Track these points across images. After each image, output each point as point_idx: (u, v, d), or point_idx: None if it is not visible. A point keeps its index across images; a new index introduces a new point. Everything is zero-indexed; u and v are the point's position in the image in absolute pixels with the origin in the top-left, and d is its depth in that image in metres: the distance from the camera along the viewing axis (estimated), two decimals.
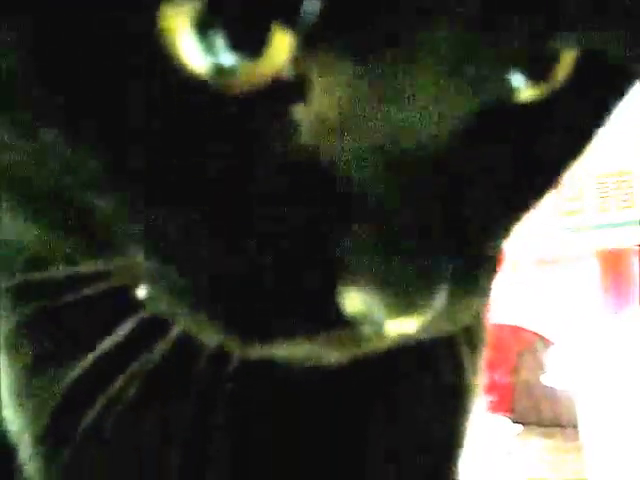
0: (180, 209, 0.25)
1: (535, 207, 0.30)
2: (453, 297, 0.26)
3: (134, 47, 0.23)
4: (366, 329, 0.26)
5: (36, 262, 0.32)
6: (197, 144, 0.24)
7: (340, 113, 0.24)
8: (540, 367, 1.26)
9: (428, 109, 0.24)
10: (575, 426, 1.26)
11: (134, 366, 0.30)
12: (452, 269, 0.25)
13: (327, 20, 0.22)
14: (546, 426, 1.46)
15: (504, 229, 0.29)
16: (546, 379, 1.16)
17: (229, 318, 0.26)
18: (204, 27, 0.22)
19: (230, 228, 0.25)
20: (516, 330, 1.34)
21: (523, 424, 1.43)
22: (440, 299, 0.25)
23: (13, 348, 0.36)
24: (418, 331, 0.26)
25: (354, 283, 0.24)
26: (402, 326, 0.26)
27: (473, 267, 0.27)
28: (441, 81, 0.23)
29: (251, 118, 0.24)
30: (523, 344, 1.40)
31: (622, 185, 1.30)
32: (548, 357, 1.14)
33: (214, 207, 0.25)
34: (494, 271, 0.29)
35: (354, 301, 0.25)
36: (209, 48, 0.23)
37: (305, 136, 0.24)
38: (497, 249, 0.29)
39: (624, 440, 1.15)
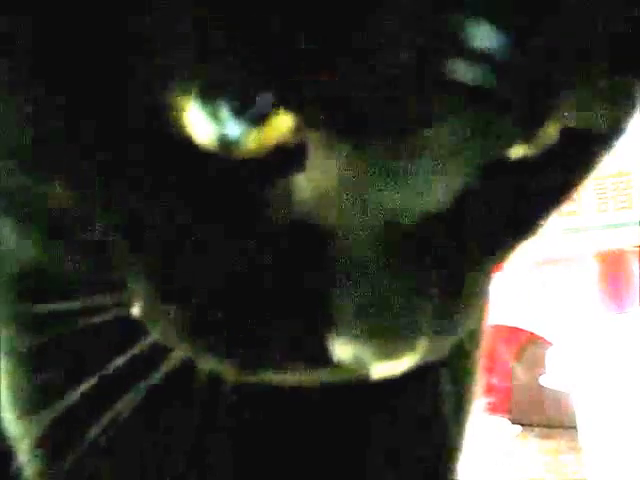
0: (181, 256, 0.26)
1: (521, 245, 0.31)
2: (438, 337, 0.28)
3: (139, 118, 0.23)
4: (353, 368, 0.27)
5: (35, 275, 0.33)
6: (198, 206, 0.25)
7: (337, 185, 0.24)
8: (538, 368, 1.26)
9: (427, 188, 0.24)
10: (574, 427, 1.26)
11: (139, 385, 0.31)
12: (437, 310, 0.27)
13: (328, 104, 0.22)
14: (545, 427, 1.46)
15: (490, 268, 0.30)
16: (545, 380, 1.16)
17: (221, 349, 0.27)
18: (210, 100, 0.23)
19: (229, 272, 0.26)
20: (514, 330, 1.34)
21: (521, 425, 1.43)
22: (427, 342, 0.27)
23: (14, 357, 0.36)
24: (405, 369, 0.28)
25: (343, 334, 0.26)
26: (389, 369, 0.28)
27: (457, 310, 0.28)
28: (442, 161, 0.23)
29: (251, 183, 0.25)
30: (521, 345, 1.39)
31: (621, 186, 1.30)
32: (547, 358, 1.14)
33: (213, 255, 0.26)
34: (483, 304, 0.31)
35: (343, 349, 0.26)
36: (214, 119, 0.23)
37: (303, 202, 0.25)
38: (484, 286, 0.30)
39: (623, 441, 1.15)
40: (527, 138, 0.26)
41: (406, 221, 0.25)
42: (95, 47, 0.22)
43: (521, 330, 1.35)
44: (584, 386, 1.13)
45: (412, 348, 0.27)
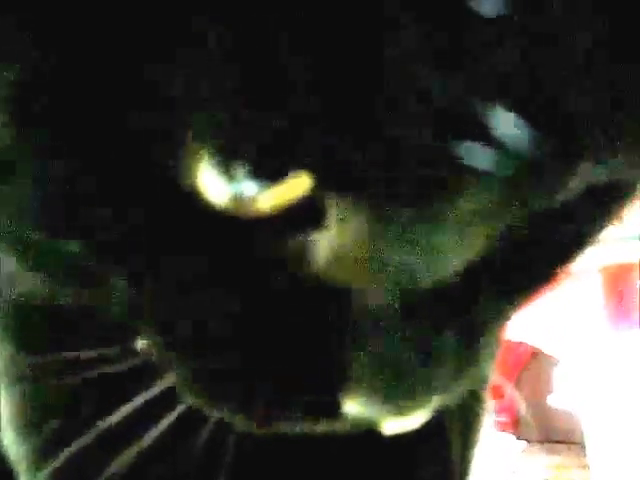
0: (196, 310, 0.26)
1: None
2: (452, 392, 0.28)
3: (154, 176, 0.23)
4: (366, 423, 0.28)
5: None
6: (213, 263, 0.25)
7: (355, 246, 0.24)
8: (543, 383, 1.25)
9: (446, 255, 0.24)
10: (581, 443, 1.25)
11: (146, 434, 0.32)
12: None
13: (346, 168, 0.21)
14: (551, 443, 1.45)
15: (507, 316, 0.30)
16: (553, 400, 1.15)
17: (235, 402, 0.28)
18: (225, 159, 0.22)
19: (245, 327, 0.26)
20: (518, 346, 1.33)
21: (528, 441, 1.43)
22: (440, 398, 0.27)
23: (14, 377, 0.36)
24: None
25: (357, 392, 0.26)
26: (401, 425, 0.28)
27: (473, 365, 0.28)
28: (462, 229, 0.23)
29: (267, 241, 0.24)
30: (526, 360, 1.39)
31: None
32: (555, 377, 1.13)
33: (229, 310, 0.26)
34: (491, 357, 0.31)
35: (356, 406, 0.26)
36: (228, 178, 0.23)
37: (319, 261, 0.24)
38: (500, 333, 0.30)
39: (630, 456, 1.14)
40: (549, 201, 0.25)
41: (423, 284, 0.25)
42: (104, 105, 0.22)
43: (525, 345, 1.34)
44: (591, 402, 1.12)
45: (425, 406, 0.27)
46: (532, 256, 0.28)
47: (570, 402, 1.15)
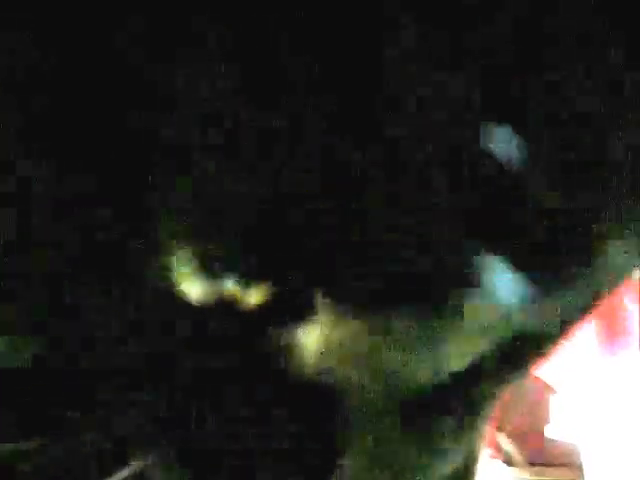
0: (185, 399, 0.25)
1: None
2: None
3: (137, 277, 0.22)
4: None
5: None
6: (201, 359, 0.24)
7: (344, 343, 0.23)
8: (538, 409, 1.25)
9: (444, 360, 0.24)
10: (576, 465, 1.25)
11: None
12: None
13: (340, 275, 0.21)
14: (546, 466, 1.45)
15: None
16: (551, 431, 1.15)
17: None
18: (208, 262, 0.22)
19: (235, 423, 0.25)
20: None
21: (525, 463, 1.43)
22: None
23: None
24: None
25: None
26: None
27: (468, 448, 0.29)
28: (460, 339, 0.23)
29: (254, 334, 0.24)
30: (519, 385, 1.39)
31: None
32: (551, 408, 1.14)
33: (219, 408, 0.25)
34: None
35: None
36: (212, 279, 0.22)
37: (311, 355, 0.24)
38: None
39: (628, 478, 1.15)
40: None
41: (420, 386, 0.24)
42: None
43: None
44: (590, 434, 1.13)
45: None
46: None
47: (568, 434, 1.15)
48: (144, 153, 0.21)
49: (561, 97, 0.21)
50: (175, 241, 0.21)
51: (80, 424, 0.28)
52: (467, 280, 0.21)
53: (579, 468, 1.25)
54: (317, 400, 0.24)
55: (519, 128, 0.21)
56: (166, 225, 0.21)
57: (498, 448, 1.40)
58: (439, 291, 0.21)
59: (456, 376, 0.25)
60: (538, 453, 1.45)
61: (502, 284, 0.21)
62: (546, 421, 1.17)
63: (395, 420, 0.24)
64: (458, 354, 0.24)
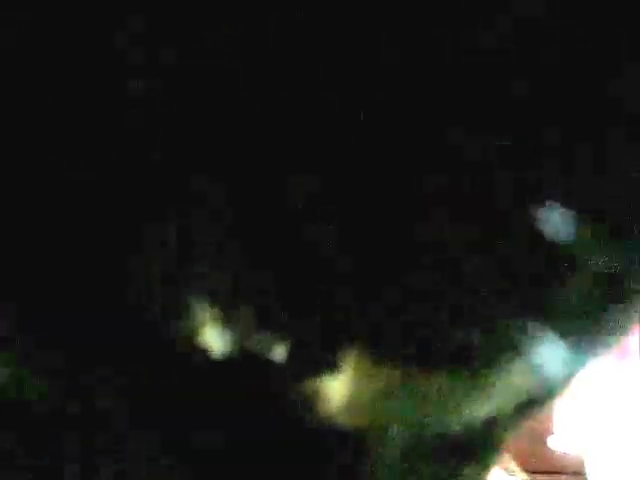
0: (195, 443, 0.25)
1: None
2: None
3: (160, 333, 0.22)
4: None
5: None
6: (224, 412, 0.24)
7: (371, 393, 0.23)
8: (540, 416, 1.24)
9: (462, 411, 0.24)
10: (579, 473, 1.25)
11: None
12: None
13: (364, 325, 0.21)
14: (548, 474, 1.45)
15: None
16: (554, 443, 1.15)
17: None
18: (228, 314, 0.22)
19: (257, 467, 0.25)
20: None
21: (527, 472, 1.42)
22: None
23: None
24: None
25: None
26: None
27: None
28: (479, 393, 0.23)
29: (279, 383, 0.24)
30: None
31: None
32: (554, 419, 1.13)
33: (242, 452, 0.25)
34: None
35: None
36: (233, 332, 0.22)
37: (333, 404, 0.24)
38: None
39: None
40: None
41: (437, 433, 0.25)
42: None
43: None
44: (593, 443, 1.13)
45: None
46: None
47: (571, 445, 1.15)
48: None
49: None
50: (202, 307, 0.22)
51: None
52: (508, 346, 0.21)
53: (583, 477, 1.25)
54: (344, 451, 0.25)
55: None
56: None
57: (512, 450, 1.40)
58: (479, 355, 0.22)
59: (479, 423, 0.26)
60: (541, 462, 1.44)
61: (545, 352, 0.22)
62: (549, 431, 1.17)
63: (422, 470, 0.25)
64: (483, 409, 0.24)
